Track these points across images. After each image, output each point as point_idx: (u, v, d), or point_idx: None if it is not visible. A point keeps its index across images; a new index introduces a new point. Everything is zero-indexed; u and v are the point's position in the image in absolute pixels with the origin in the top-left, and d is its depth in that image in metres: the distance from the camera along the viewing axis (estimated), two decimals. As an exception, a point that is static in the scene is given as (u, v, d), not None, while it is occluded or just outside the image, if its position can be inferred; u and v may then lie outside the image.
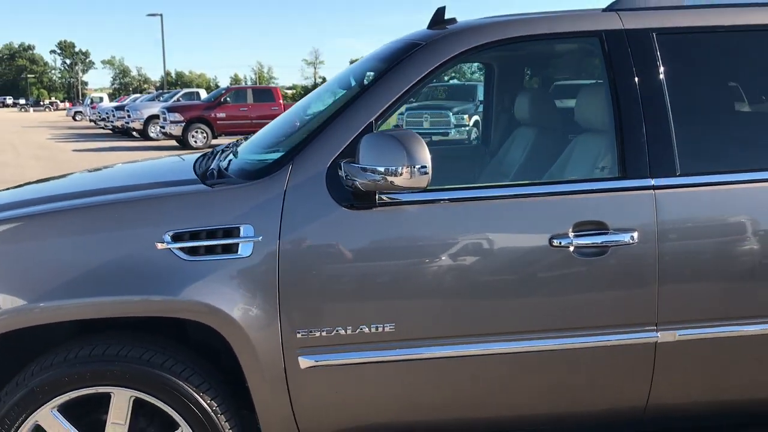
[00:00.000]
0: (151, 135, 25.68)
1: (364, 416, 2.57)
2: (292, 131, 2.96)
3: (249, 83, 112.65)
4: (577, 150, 2.99)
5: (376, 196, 2.41)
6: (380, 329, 2.44)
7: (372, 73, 2.84)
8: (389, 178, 2.28)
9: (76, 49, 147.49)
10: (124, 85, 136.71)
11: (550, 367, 2.57)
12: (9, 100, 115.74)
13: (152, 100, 30.78)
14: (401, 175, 2.26)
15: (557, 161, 3.09)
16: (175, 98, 28.59)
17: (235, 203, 2.44)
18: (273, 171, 2.49)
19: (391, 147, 2.26)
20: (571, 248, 2.48)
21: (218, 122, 22.39)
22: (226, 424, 2.47)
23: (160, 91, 42.28)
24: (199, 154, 3.35)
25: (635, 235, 2.50)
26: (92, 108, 40.38)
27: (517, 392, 2.60)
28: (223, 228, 2.39)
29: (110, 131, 31.95)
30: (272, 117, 8.13)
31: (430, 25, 2.87)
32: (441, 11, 2.88)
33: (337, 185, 2.44)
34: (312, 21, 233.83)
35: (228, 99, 23.29)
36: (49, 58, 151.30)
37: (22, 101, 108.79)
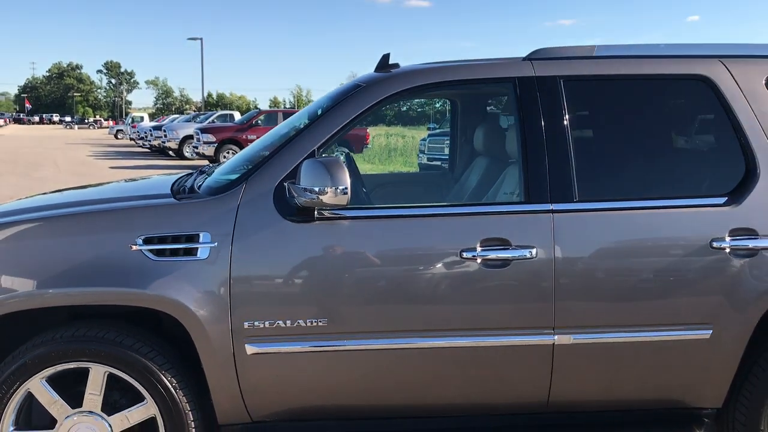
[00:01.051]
0: (186, 154, 26.60)
1: (300, 398, 3.03)
2: (257, 155, 3.46)
3: (288, 106, 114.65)
4: (507, 178, 3.45)
5: (315, 212, 2.90)
6: (314, 323, 2.91)
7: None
8: (320, 197, 2.77)
9: (122, 69, 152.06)
10: (167, 105, 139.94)
11: (461, 361, 3.00)
12: (56, 117, 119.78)
13: (188, 121, 31.82)
14: (327, 194, 2.75)
15: (492, 187, 3.55)
16: (209, 120, 29.57)
17: (197, 214, 2.94)
18: (230, 188, 2.99)
19: (319, 171, 2.76)
20: (479, 260, 2.93)
21: (249, 144, 23.07)
22: (184, 398, 2.94)
23: (197, 112, 43.54)
24: (183, 173, 3.88)
25: (534, 251, 2.93)
26: (132, 127, 41.77)
27: (433, 382, 3.03)
28: (186, 234, 2.89)
29: (148, 150, 33.09)
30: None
31: (376, 69, 3.37)
32: (386, 57, 3.38)
33: (283, 201, 2.93)
34: (351, 45, 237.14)
35: (259, 122, 24.10)
36: (95, 77, 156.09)
37: (67, 118, 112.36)
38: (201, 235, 2.89)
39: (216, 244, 2.88)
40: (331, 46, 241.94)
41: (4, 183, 16.63)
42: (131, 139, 41.42)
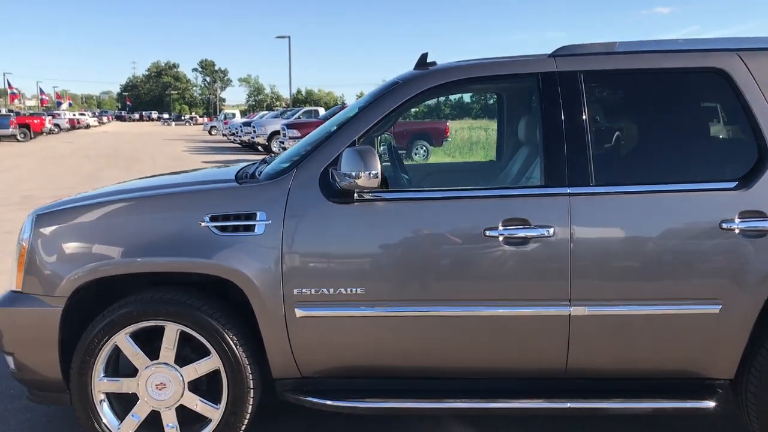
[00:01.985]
0: (273, 149, 27.57)
1: (341, 357, 3.45)
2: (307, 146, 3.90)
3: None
4: (536, 165, 3.75)
5: (354, 194, 3.31)
6: (353, 291, 3.32)
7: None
8: (355, 180, 3.18)
9: (216, 68, 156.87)
10: (258, 102, 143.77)
11: (484, 329, 3.34)
12: (154, 115, 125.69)
13: (276, 117, 32.94)
14: (361, 178, 3.16)
15: (525, 174, 3.86)
16: (295, 116, 30.54)
17: (255, 196, 3.41)
18: (283, 174, 3.44)
19: (355, 158, 3.17)
20: (501, 238, 3.27)
21: (332, 138, 23.73)
22: (244, 354, 3.42)
23: (284, 108, 44.88)
24: (247, 163, 4.38)
25: (552, 230, 3.25)
26: (225, 123, 43.48)
27: (459, 347, 3.38)
28: (245, 213, 3.36)
29: (239, 145, 34.43)
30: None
31: (415, 67, 3.74)
32: (424, 56, 3.75)
33: (327, 185, 3.36)
34: (437, 38, 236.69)
35: (342, 117, 24.74)
36: (191, 75, 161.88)
37: (165, 116, 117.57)
38: (258, 213, 3.35)
39: (270, 221, 3.33)
40: (417, 39, 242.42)
41: (105, 177, 17.88)
42: (223, 134, 43.07)
